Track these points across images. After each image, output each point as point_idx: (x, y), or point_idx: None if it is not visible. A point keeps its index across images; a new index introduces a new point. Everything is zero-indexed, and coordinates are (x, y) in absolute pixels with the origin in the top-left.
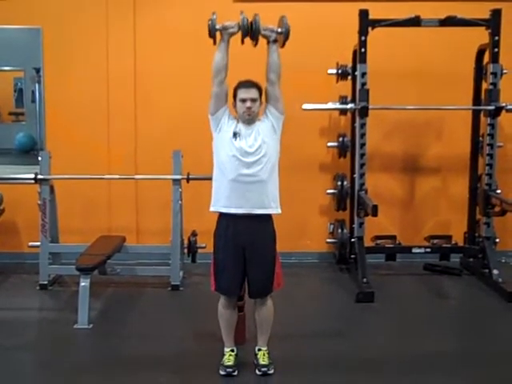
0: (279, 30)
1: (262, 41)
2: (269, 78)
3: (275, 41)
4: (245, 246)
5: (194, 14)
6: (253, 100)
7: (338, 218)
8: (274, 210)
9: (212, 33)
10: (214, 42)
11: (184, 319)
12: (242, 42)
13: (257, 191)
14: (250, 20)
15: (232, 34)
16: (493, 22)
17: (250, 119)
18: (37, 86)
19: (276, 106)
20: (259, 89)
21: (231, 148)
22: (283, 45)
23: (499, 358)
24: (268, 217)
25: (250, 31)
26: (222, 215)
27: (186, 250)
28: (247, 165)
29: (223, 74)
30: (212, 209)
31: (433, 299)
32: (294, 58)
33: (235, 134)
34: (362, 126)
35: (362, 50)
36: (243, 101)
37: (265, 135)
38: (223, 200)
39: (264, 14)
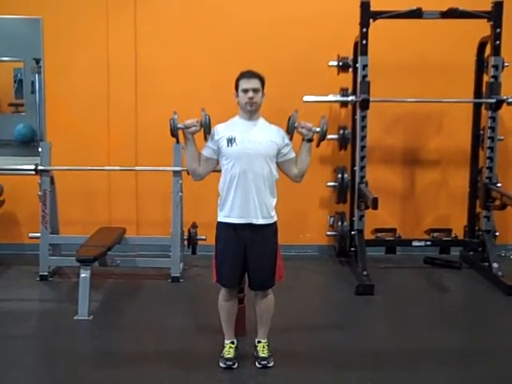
0: (317, 129)
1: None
2: (293, 172)
3: (310, 140)
4: (246, 238)
5: (195, 4)
6: (255, 90)
7: (338, 211)
8: (273, 219)
9: (174, 132)
10: (177, 141)
11: (184, 311)
12: (205, 139)
13: (257, 196)
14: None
15: (194, 133)
16: (494, 15)
17: (252, 110)
18: (37, 76)
19: (284, 164)
20: (261, 79)
21: (229, 154)
22: (318, 145)
23: (499, 351)
24: (268, 224)
25: (209, 129)
26: (223, 222)
27: (186, 242)
28: (247, 163)
29: (199, 170)
30: (218, 219)
31: (432, 292)
32: (295, 50)
33: (229, 141)
34: (363, 118)
35: (363, 42)
36: (245, 91)
37: (269, 137)
38: (226, 210)
39: (265, 6)
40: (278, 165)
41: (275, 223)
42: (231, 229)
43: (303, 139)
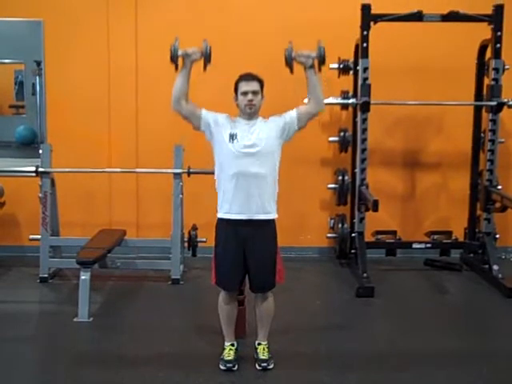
0: (314, 54)
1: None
2: (311, 107)
3: (311, 66)
4: (245, 240)
5: (196, 8)
6: (254, 93)
7: (338, 213)
8: (274, 215)
9: (174, 58)
10: (176, 69)
11: (184, 313)
12: (204, 69)
13: (258, 194)
14: (209, 47)
15: (194, 61)
16: (495, 18)
17: (251, 112)
18: (37, 78)
19: (302, 121)
20: (260, 81)
21: (230, 149)
22: (320, 69)
23: (498, 354)
24: (269, 220)
25: (209, 58)
26: (223, 219)
27: (186, 244)
28: (247, 163)
29: (183, 100)
30: (218, 215)
31: (433, 294)
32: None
33: (231, 137)
34: (364, 120)
35: (364, 44)
36: (245, 94)
37: (268, 135)
38: (226, 206)
39: (265, 8)
40: (302, 127)
41: (274, 222)
42: (231, 227)
43: (304, 68)
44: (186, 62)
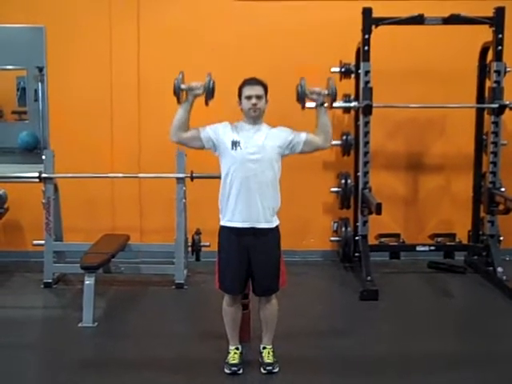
0: (326, 92)
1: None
2: (319, 141)
3: (323, 103)
4: (249, 245)
5: (197, 13)
6: (258, 97)
7: (341, 217)
8: (276, 223)
9: (177, 92)
10: (179, 102)
11: (188, 317)
12: (206, 104)
13: (260, 200)
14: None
15: (197, 96)
16: (496, 20)
17: (255, 116)
18: (40, 84)
19: (304, 147)
20: (264, 86)
21: (232, 157)
22: (331, 106)
23: (503, 357)
24: (271, 229)
25: (212, 93)
26: (226, 227)
27: (190, 249)
28: (251, 169)
29: (181, 131)
30: (220, 223)
31: (437, 297)
32: (298, 56)
33: (234, 144)
34: (366, 124)
35: (366, 48)
36: (249, 98)
37: (272, 143)
38: (228, 214)
39: (266, 13)
40: (303, 152)
41: (278, 228)
42: (234, 234)
43: (316, 106)
44: (188, 96)
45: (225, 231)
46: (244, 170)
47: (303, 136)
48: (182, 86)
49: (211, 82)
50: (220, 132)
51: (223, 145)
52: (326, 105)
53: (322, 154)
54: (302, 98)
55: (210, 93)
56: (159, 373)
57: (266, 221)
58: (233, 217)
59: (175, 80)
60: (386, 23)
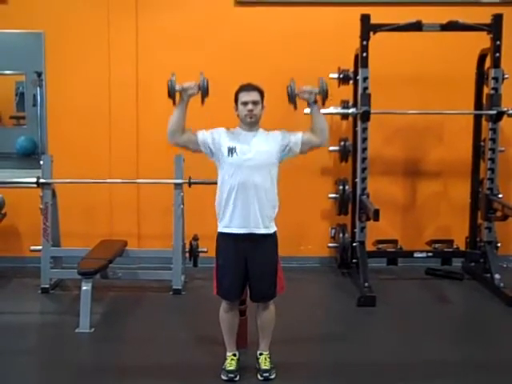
0: (317, 90)
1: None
2: (316, 140)
3: (315, 102)
4: (246, 251)
5: (195, 18)
6: (254, 103)
7: (339, 223)
8: (273, 229)
9: (171, 93)
10: (174, 103)
11: (185, 323)
12: (202, 103)
13: (258, 207)
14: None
15: (191, 96)
16: (494, 27)
17: (252, 122)
18: (38, 89)
19: (303, 148)
20: (260, 92)
21: (229, 164)
22: (324, 104)
23: (500, 364)
24: (269, 234)
25: (206, 92)
26: (223, 233)
27: (187, 254)
28: (247, 174)
29: (178, 133)
30: (218, 229)
31: (434, 304)
32: (296, 62)
33: (230, 151)
34: (364, 130)
35: (364, 54)
36: (245, 104)
37: (268, 148)
38: (226, 220)
39: (265, 19)
40: (303, 152)
41: (275, 234)
42: (231, 241)
43: (308, 104)
44: (183, 97)
45: (222, 237)
46: (241, 176)
47: (299, 136)
48: (177, 87)
49: (205, 81)
50: (216, 138)
51: (219, 151)
52: (318, 103)
53: (319, 160)
54: (292, 98)
55: (205, 91)
56: (156, 379)
57: (264, 226)
58: (230, 223)
59: (168, 81)
60: (384, 29)
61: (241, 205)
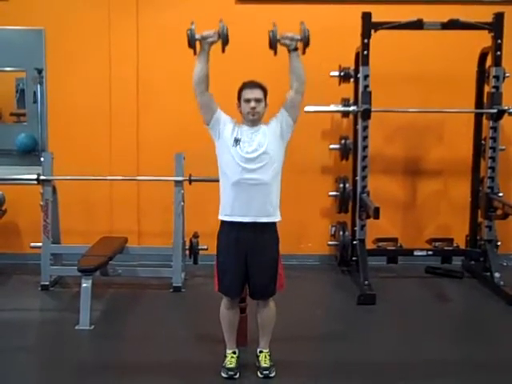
0: (299, 37)
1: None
2: (293, 86)
3: (296, 49)
4: (247, 248)
5: (197, 16)
6: (257, 100)
7: (339, 221)
8: (277, 217)
9: (191, 43)
10: (195, 53)
11: (185, 321)
12: (223, 50)
13: (260, 197)
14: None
15: (212, 43)
16: (495, 26)
17: (254, 119)
18: (38, 86)
19: (291, 112)
20: (264, 89)
21: (233, 154)
22: (304, 52)
23: (500, 362)
24: (271, 224)
25: (226, 39)
26: (226, 222)
27: (187, 252)
28: (250, 170)
29: (203, 85)
30: (219, 217)
31: (434, 302)
32: None
33: (236, 141)
34: (365, 128)
35: (365, 52)
36: (247, 101)
37: (270, 139)
38: (228, 208)
39: (266, 16)
40: (295, 117)
41: (276, 227)
42: (233, 231)
43: (289, 51)
44: (203, 45)
45: (224, 227)
46: (243, 169)
47: (283, 110)
48: (197, 36)
49: (225, 28)
50: (228, 124)
51: (227, 138)
52: (298, 50)
53: (320, 158)
54: (274, 43)
55: (224, 38)
56: (156, 376)
57: (266, 215)
58: (232, 211)
59: (188, 31)
60: (386, 28)
61: (243, 196)
